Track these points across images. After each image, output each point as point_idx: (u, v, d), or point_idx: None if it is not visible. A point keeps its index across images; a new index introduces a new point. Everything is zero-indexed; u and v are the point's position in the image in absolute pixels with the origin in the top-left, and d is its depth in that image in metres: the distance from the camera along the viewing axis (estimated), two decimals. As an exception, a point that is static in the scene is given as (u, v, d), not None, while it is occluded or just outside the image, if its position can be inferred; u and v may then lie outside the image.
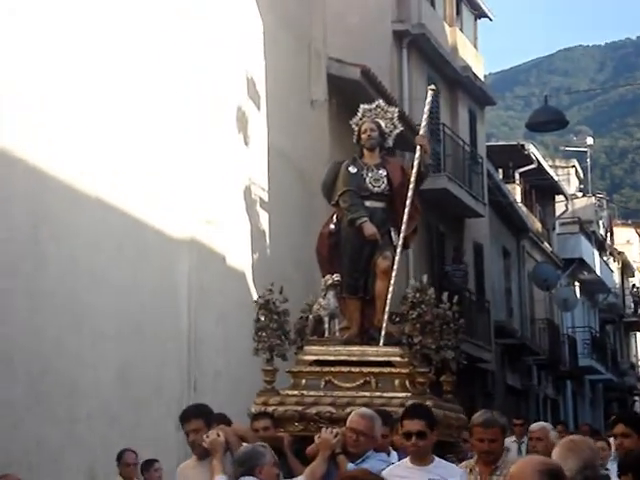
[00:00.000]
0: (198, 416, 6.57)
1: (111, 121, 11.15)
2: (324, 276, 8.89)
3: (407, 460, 6.25)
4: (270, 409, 8.05)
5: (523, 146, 30.76)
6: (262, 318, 8.49)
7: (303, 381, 8.44)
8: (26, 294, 9.81)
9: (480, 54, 27.54)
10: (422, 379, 8.17)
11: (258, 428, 7.41)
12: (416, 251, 20.52)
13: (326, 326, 8.67)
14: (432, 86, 9.58)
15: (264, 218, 14.11)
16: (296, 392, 8.30)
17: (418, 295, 8.16)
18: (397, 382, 8.26)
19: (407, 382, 8.23)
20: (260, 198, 14.09)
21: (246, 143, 13.89)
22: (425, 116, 9.32)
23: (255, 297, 9.35)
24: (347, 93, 16.77)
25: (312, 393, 8.25)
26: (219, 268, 12.85)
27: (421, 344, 8.04)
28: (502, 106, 75.57)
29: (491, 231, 26.81)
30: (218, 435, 6.41)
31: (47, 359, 9.99)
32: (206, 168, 12.71)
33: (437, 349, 8.24)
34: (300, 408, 8.10)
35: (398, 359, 8.30)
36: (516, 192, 31.30)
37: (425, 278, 8.51)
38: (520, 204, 30.87)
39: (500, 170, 30.67)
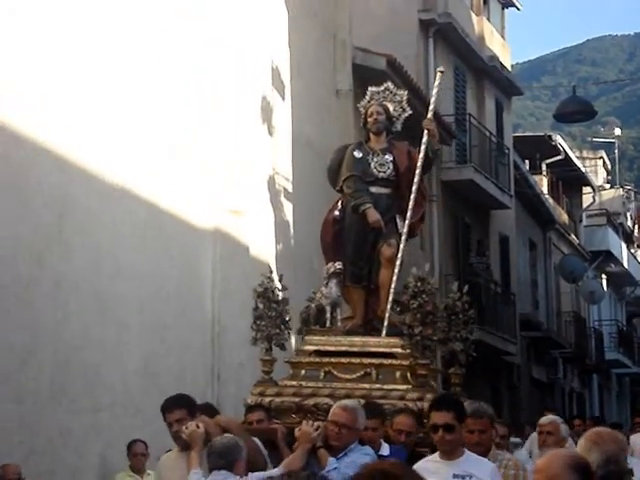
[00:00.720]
0: (181, 406, 6.38)
1: (137, 111, 11.14)
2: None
3: (437, 454, 5.99)
4: (267, 400, 7.85)
5: (550, 137, 30.57)
6: (260, 306, 8.22)
7: (302, 372, 8.20)
8: (51, 284, 9.83)
9: (507, 44, 27.37)
10: (423, 371, 7.91)
11: (251, 420, 7.26)
12: (441, 243, 20.46)
13: (328, 315, 8.43)
14: (441, 68, 9.24)
15: (288, 208, 14.07)
16: (294, 383, 8.08)
17: (419, 284, 7.85)
18: (398, 374, 8.01)
19: (408, 374, 7.98)
20: (284, 188, 14.04)
21: (270, 133, 13.84)
22: (433, 99, 9.00)
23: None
24: (372, 83, 16.64)
25: (311, 384, 8.02)
26: (243, 258, 12.82)
27: (421, 335, 7.77)
28: (529, 96, 75.20)
29: (517, 223, 26.66)
30: (198, 426, 6.21)
31: (71, 349, 10.00)
32: (230, 158, 12.67)
33: (445, 341, 8.00)
34: (297, 399, 7.86)
35: (399, 350, 8.06)
36: (543, 183, 31.12)
37: (427, 267, 8.18)
38: (547, 196, 30.69)
39: (527, 161, 30.49)
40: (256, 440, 6.54)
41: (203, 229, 12.18)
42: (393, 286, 8.29)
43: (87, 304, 10.24)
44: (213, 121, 12.37)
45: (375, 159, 8.61)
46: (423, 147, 8.66)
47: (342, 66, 16.10)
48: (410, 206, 8.45)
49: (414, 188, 8.47)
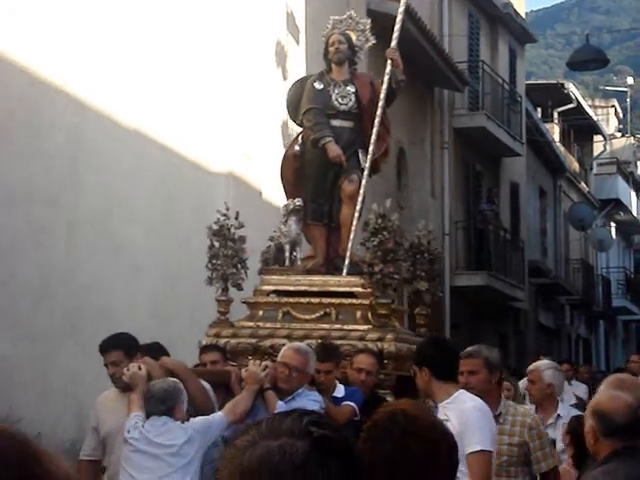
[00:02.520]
0: (117, 347, 6.08)
1: (152, 54, 11.13)
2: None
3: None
4: (222, 341, 7.51)
5: (563, 85, 30.42)
6: (216, 245, 7.81)
7: (260, 312, 7.83)
8: (64, 225, 9.90)
9: (522, -10, 27.14)
10: (384, 310, 7.52)
11: (205, 361, 6.92)
12: (452, 189, 20.47)
13: (287, 254, 8.02)
14: None
15: (301, 153, 14.07)
16: (251, 324, 7.72)
17: (380, 221, 7.43)
18: (359, 314, 7.65)
19: (369, 314, 7.61)
20: (297, 133, 14.03)
21: (284, 77, 13.80)
22: (397, 26, 8.50)
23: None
24: (386, 28, 16.59)
25: (268, 325, 7.67)
26: (256, 202, 12.85)
27: (382, 273, 7.35)
28: (543, 44, 74.64)
29: (528, 170, 26.65)
30: (139, 368, 5.84)
31: (83, 290, 10.09)
32: (244, 102, 12.67)
33: (410, 280, 7.73)
34: (254, 340, 7.52)
35: (360, 290, 7.67)
36: (554, 131, 31.03)
37: (388, 202, 7.69)
38: (558, 144, 30.62)
39: (539, 109, 30.37)
40: (205, 384, 6.18)
41: (216, 172, 12.21)
42: (355, 223, 7.95)
43: (100, 246, 10.31)
44: (227, 65, 12.34)
45: (337, 90, 8.18)
46: (386, 78, 8.21)
47: (357, 12, 15.95)
48: (372, 140, 8.03)
49: (377, 121, 8.05)
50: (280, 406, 5.85)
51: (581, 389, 12.39)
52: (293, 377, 6.12)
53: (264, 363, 6.20)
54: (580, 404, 8.52)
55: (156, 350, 6.52)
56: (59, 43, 9.86)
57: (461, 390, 5.12)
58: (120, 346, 6.09)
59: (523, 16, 26.35)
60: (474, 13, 22.48)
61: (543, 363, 7.40)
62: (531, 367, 7.31)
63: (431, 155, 20.02)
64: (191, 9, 11.86)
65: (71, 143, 10.00)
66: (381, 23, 16.43)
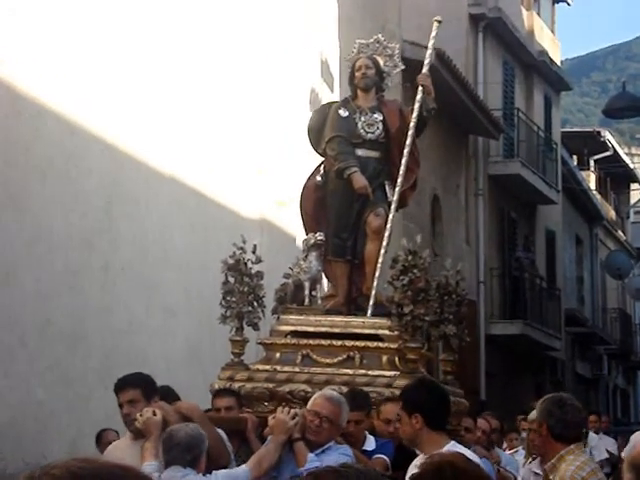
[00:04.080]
0: (135, 385, 5.54)
1: (188, 102, 11.26)
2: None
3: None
4: (236, 386, 6.93)
5: (599, 133, 30.38)
6: (231, 280, 7.23)
7: (277, 355, 7.21)
8: (100, 270, 9.98)
9: (557, 39, 27.23)
10: (413, 355, 6.93)
11: (220, 407, 6.46)
12: (487, 237, 20.43)
13: (307, 292, 7.42)
14: (438, 17, 8.07)
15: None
16: (268, 367, 7.11)
17: (410, 258, 6.86)
18: (385, 358, 7.05)
19: (396, 359, 7.01)
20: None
21: (319, 125, 13.89)
22: (429, 52, 7.92)
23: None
24: (421, 76, 16.67)
25: (286, 369, 7.05)
26: (289, 249, 12.88)
27: (412, 314, 6.78)
28: (578, 92, 74.64)
29: (564, 218, 26.55)
30: (154, 413, 5.31)
31: (118, 334, 10.14)
32: (279, 150, 12.75)
33: (437, 323, 7.10)
34: (271, 385, 6.94)
35: (387, 332, 7.09)
36: (590, 179, 30.95)
37: (419, 238, 7.16)
38: (594, 192, 30.53)
39: (575, 157, 30.34)
40: (220, 432, 5.67)
41: (250, 219, 12.27)
42: (380, 260, 7.39)
43: (134, 290, 10.37)
44: (262, 113, 12.45)
45: (363, 118, 7.63)
46: (417, 105, 7.63)
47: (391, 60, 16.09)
48: (401, 172, 7.50)
49: (406, 151, 7.51)
50: (311, 459, 5.41)
51: (609, 442, 12.15)
52: (324, 428, 5.55)
53: (293, 411, 5.61)
54: (613, 459, 8.34)
55: (167, 394, 6.12)
56: (97, 93, 10.00)
57: (452, 442, 4.89)
58: (138, 385, 5.57)
59: (558, 64, 26.40)
60: (509, 61, 22.55)
61: None
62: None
63: (466, 202, 20.01)
64: (227, 57, 11.99)
65: (107, 189, 10.11)
66: (414, 69, 16.55)
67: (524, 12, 24.41)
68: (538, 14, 25.47)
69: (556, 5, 27.40)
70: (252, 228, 12.29)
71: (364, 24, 15.38)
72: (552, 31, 26.82)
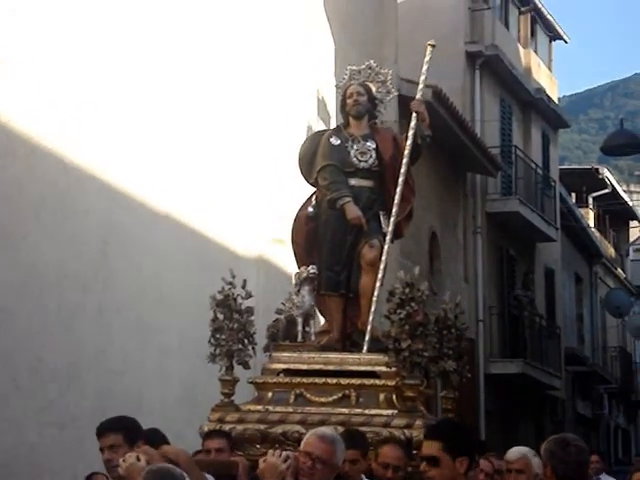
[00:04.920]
0: (117, 430, 5.28)
1: (182, 140, 11.22)
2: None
3: None
4: (227, 427, 6.71)
5: (597, 170, 30.40)
6: (220, 317, 7.01)
7: (269, 394, 6.97)
8: (95, 310, 9.89)
9: (554, 76, 27.30)
10: (411, 393, 6.64)
11: (210, 448, 6.25)
12: (485, 275, 20.35)
13: (299, 328, 7.20)
14: (431, 41, 7.84)
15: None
16: (259, 407, 6.86)
17: (407, 291, 6.57)
18: (382, 396, 6.79)
19: (394, 397, 6.75)
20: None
21: (316, 163, 13.85)
22: (423, 77, 7.72)
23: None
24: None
25: (278, 409, 6.79)
26: (287, 288, 12.79)
27: (410, 350, 6.52)
28: (576, 129, 74.89)
29: (563, 256, 26.50)
30: (138, 459, 4.94)
31: (113, 374, 10.03)
32: (275, 187, 12.69)
33: (435, 359, 6.88)
34: (263, 427, 6.68)
35: (384, 369, 6.83)
36: (589, 217, 30.93)
37: (417, 270, 6.80)
38: (593, 229, 30.50)
39: (573, 194, 30.34)
40: (209, 477, 5.44)
41: (246, 257, 12.19)
42: (376, 294, 7.10)
43: (129, 330, 10.28)
44: (258, 150, 12.41)
45: (355, 146, 7.41)
46: (411, 132, 7.43)
47: (387, 97, 16.08)
48: (396, 201, 7.27)
49: (400, 180, 7.29)
50: None
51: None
52: (317, 470, 5.12)
53: (285, 453, 5.19)
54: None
55: (154, 437, 5.89)
56: (91, 132, 9.97)
57: None
58: (119, 429, 5.29)
59: (556, 101, 26.45)
60: (506, 98, 22.58)
61: (529, 451, 6.30)
62: (515, 455, 6.26)
63: (464, 240, 19.96)
64: (223, 94, 11.97)
65: (102, 228, 10.04)
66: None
67: (521, 50, 24.48)
68: (535, 52, 25.55)
69: (553, 43, 27.48)
70: (249, 266, 12.20)
71: (360, 61, 15.33)
72: (549, 68, 26.89)
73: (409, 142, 7.39)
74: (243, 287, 7.07)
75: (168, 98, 11.07)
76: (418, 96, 7.66)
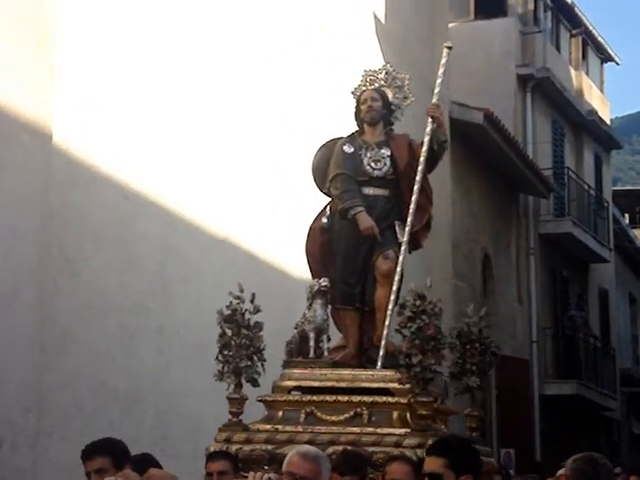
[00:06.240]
0: (104, 453, 5.04)
1: (238, 166, 11.41)
2: None
3: None
4: (233, 448, 6.41)
5: (651, 191, 30.23)
6: (228, 333, 6.74)
7: (279, 413, 6.66)
8: (155, 333, 10.06)
9: (606, 98, 27.23)
10: (425, 411, 6.31)
11: (212, 471, 5.93)
12: (539, 296, 20.33)
13: (311, 344, 6.85)
14: (448, 43, 7.59)
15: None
16: (268, 427, 6.55)
17: (418, 303, 6.26)
18: (395, 415, 6.46)
19: (408, 415, 6.42)
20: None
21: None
22: (439, 80, 7.35)
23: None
24: (470, 137, 16.78)
25: (288, 428, 6.49)
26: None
27: (421, 365, 6.19)
28: (629, 150, 74.27)
29: (617, 277, 26.35)
30: None
31: (173, 396, 10.19)
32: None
33: (459, 375, 6.61)
34: (271, 447, 6.34)
35: (396, 385, 6.46)
36: (643, 237, 30.73)
37: (429, 282, 6.44)
38: (647, 249, 30.28)
39: (627, 215, 30.16)
40: None
41: (300, 279, 12.32)
42: (390, 307, 6.77)
43: (188, 353, 10.43)
44: (308, 175, 12.55)
45: (369, 154, 7.09)
46: (427, 138, 7.06)
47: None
48: (411, 210, 6.93)
49: (416, 188, 6.94)
50: None
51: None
52: None
53: (266, 476, 4.86)
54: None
55: (145, 462, 5.64)
56: (150, 158, 10.19)
57: None
58: (107, 453, 5.06)
59: (608, 123, 26.37)
60: (558, 120, 22.58)
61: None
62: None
63: (517, 261, 19.97)
64: (276, 125, 12.14)
65: (160, 252, 10.24)
66: (462, 130, 16.65)
67: (573, 72, 24.47)
68: (587, 74, 25.51)
69: (605, 64, 27.42)
70: (301, 288, 12.35)
71: (412, 85, 15.50)
72: (601, 90, 26.82)
73: (425, 148, 7.04)
74: (252, 301, 6.78)
75: (225, 128, 11.28)
76: (434, 100, 7.27)
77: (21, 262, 8.89)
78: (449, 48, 7.43)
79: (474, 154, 17.45)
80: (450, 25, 17.89)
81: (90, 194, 9.53)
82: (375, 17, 15.08)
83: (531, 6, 21.75)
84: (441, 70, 7.39)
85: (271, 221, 11.85)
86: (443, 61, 7.37)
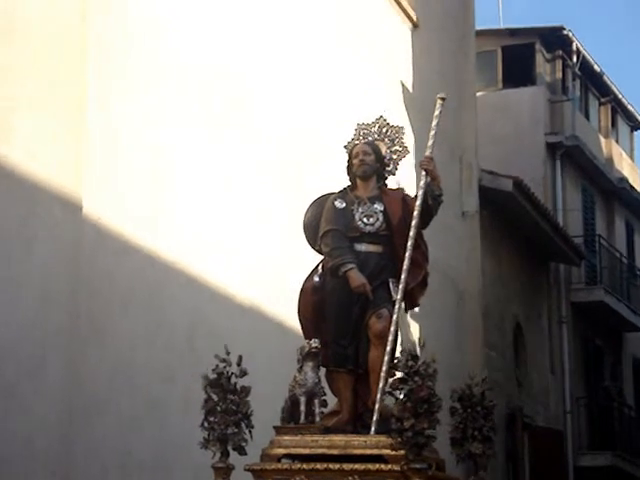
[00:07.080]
0: None
1: (263, 233, 11.41)
2: None
3: None
4: None
5: (684, 259, 29.98)
6: (214, 397, 6.48)
7: None
8: (182, 402, 9.97)
9: (636, 165, 27.21)
10: (418, 478, 5.98)
11: None
12: (572, 365, 20.12)
13: (302, 408, 6.60)
14: (441, 94, 7.28)
15: (414, 327, 14.06)
16: None
17: (411, 363, 6.03)
18: None
19: None
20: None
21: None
22: (432, 133, 7.07)
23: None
24: (499, 204, 16.76)
25: None
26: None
27: (414, 430, 5.91)
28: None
29: (652, 346, 26.06)
30: None
31: (200, 469, 10.06)
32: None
33: (460, 441, 6.37)
34: None
35: (390, 452, 6.13)
36: (678, 306, 30.41)
37: (422, 340, 6.38)
38: (682, 318, 29.94)
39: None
40: None
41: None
42: (384, 369, 6.49)
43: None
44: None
45: (360, 209, 6.90)
46: (421, 192, 6.84)
47: (468, 188, 16.21)
48: (405, 267, 6.67)
49: (409, 243, 6.70)
50: None
51: None
52: None
53: None
54: None
55: None
56: (176, 226, 10.20)
57: None
58: None
59: (639, 190, 26.30)
60: (588, 188, 22.54)
61: None
62: None
63: (549, 330, 19.80)
64: (297, 197, 12.16)
65: (189, 320, 10.20)
66: (492, 198, 16.63)
67: (602, 140, 24.48)
68: (617, 141, 25.52)
69: (635, 132, 27.44)
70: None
71: (441, 154, 15.51)
72: (631, 158, 26.82)
73: (419, 202, 6.81)
74: (238, 364, 6.63)
75: (252, 196, 11.30)
76: (427, 153, 7.00)
77: (50, 330, 8.89)
78: (442, 99, 7.19)
79: (504, 222, 17.42)
80: (478, 94, 17.94)
81: (119, 262, 9.54)
82: (403, 85, 15.17)
83: (559, 75, 21.84)
84: (434, 122, 7.07)
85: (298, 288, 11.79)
86: (436, 112, 7.09)
